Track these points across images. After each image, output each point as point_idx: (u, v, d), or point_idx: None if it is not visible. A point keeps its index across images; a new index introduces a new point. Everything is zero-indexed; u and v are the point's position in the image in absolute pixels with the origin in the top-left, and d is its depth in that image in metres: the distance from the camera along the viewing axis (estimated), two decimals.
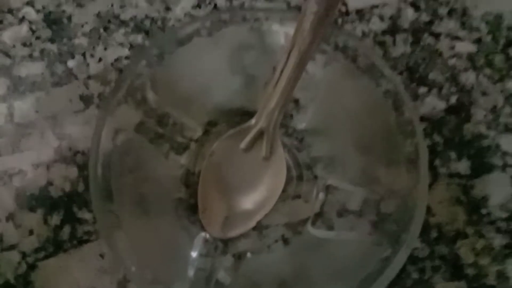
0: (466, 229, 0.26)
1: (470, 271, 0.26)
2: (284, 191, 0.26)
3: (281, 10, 0.30)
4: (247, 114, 0.26)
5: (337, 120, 0.26)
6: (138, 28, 0.30)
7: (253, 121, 0.24)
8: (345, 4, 0.29)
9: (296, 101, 0.27)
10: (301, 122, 0.27)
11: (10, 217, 0.26)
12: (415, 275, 0.25)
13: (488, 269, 0.26)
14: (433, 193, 0.27)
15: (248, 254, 0.25)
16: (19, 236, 0.26)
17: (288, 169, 0.26)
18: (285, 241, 0.26)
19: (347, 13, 0.29)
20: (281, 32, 0.26)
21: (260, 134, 0.24)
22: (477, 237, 0.26)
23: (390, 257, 0.19)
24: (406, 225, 0.20)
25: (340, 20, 0.29)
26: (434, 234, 0.26)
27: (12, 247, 0.26)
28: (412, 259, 0.26)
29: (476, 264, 0.26)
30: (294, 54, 0.21)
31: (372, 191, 0.24)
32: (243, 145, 0.25)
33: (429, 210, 0.26)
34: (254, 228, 0.26)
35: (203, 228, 0.25)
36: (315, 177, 0.27)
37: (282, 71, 0.22)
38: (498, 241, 0.26)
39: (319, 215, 0.26)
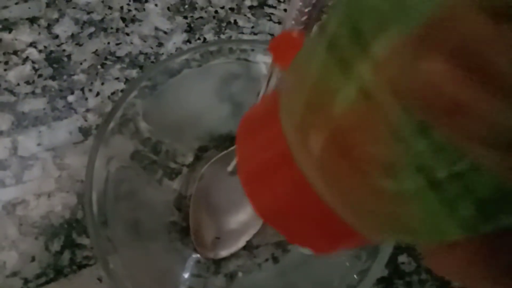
0: None
1: (456, 284, 0.26)
2: None
3: (264, 42, 0.31)
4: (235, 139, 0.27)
5: None
6: (133, 63, 0.32)
7: None
8: None
9: None
10: None
11: (13, 245, 0.27)
12: None
13: None
14: None
15: (240, 274, 0.26)
16: (21, 263, 0.27)
17: None
18: (275, 259, 0.26)
19: None
20: (265, 62, 0.27)
21: None
22: None
23: (367, 269, 0.20)
24: None
25: None
26: (419, 248, 0.27)
27: (14, 274, 0.27)
28: (399, 273, 0.26)
29: None
30: (272, 82, 0.23)
31: None
32: (230, 168, 0.26)
33: None
34: (244, 248, 0.27)
35: (195, 250, 0.26)
36: None
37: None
38: None
39: None
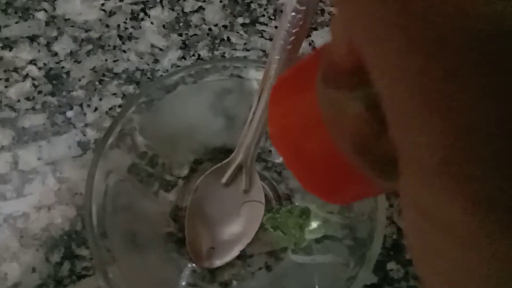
0: None
1: None
2: None
3: (256, 60, 0.33)
4: (229, 151, 0.28)
5: None
6: (130, 79, 0.33)
7: (232, 156, 0.27)
8: (314, 48, 0.33)
9: None
10: (279, 156, 0.30)
11: (14, 257, 0.28)
12: None
13: None
14: None
15: (234, 282, 0.27)
16: (22, 274, 0.28)
17: (269, 200, 0.29)
18: (268, 268, 0.27)
19: None
20: (256, 79, 0.29)
21: (239, 169, 0.27)
22: None
23: (355, 276, 0.21)
24: (369, 243, 0.22)
25: None
26: (408, 255, 0.28)
27: (15, 285, 0.28)
28: (388, 280, 0.27)
29: None
30: (263, 97, 0.24)
31: (345, 216, 0.26)
32: (224, 179, 0.27)
33: (402, 232, 0.28)
34: (239, 257, 0.27)
35: (191, 260, 0.27)
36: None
37: (254, 112, 0.25)
38: None
39: None
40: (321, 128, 0.12)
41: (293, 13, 0.20)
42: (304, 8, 0.20)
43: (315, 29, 0.35)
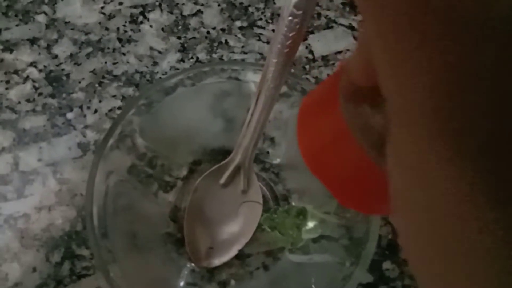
0: None
1: None
2: None
3: (254, 63, 0.33)
4: (228, 153, 0.29)
5: None
6: (129, 81, 0.33)
7: (230, 158, 0.27)
8: (311, 52, 0.33)
9: (272, 139, 0.31)
10: (276, 158, 0.30)
11: (15, 257, 0.29)
12: None
13: None
14: None
15: (232, 282, 0.28)
16: (23, 274, 0.28)
17: (267, 201, 0.29)
18: (266, 267, 0.28)
19: (313, 59, 0.33)
20: (254, 81, 0.29)
21: (237, 170, 0.27)
22: None
23: (351, 275, 0.21)
24: (365, 243, 0.22)
25: (307, 66, 0.33)
26: (403, 255, 0.28)
27: (16, 285, 0.28)
28: (384, 279, 0.28)
29: None
30: (261, 99, 0.25)
31: (342, 216, 0.27)
32: (222, 180, 0.28)
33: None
34: (237, 257, 0.28)
35: (190, 259, 0.28)
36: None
37: (252, 114, 0.25)
38: None
39: None
40: (348, 141, 0.14)
41: (290, 17, 0.21)
42: (301, 12, 0.20)
43: (312, 32, 0.35)
